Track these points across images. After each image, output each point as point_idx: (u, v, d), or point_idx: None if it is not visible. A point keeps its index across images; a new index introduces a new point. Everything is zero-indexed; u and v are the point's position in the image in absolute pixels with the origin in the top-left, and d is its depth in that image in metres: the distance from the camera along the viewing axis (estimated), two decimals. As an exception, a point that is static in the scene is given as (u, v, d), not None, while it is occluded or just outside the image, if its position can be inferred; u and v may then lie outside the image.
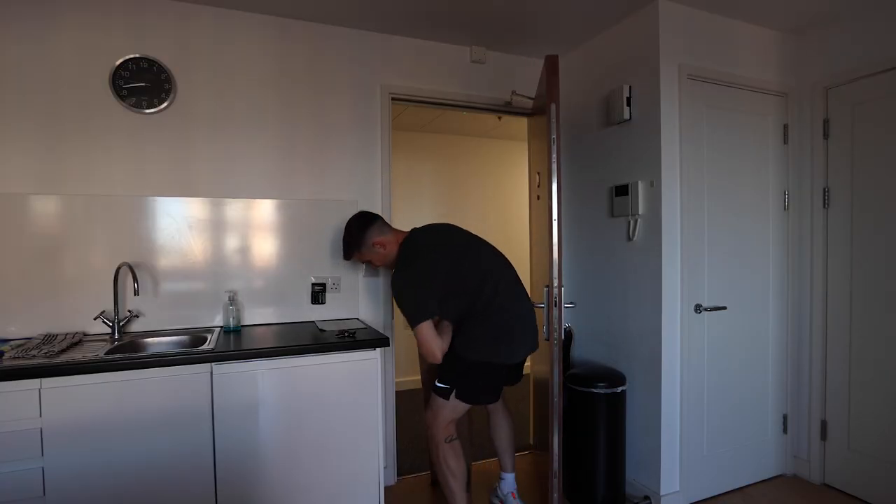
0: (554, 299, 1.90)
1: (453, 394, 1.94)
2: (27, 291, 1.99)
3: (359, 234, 2.05)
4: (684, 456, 2.30)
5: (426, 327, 1.82)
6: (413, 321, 1.83)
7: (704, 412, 2.37)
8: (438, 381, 1.98)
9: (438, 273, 1.89)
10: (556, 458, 1.94)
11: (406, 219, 4.15)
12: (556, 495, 1.95)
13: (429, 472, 2.59)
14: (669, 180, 2.24)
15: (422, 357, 2.32)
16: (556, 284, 1.91)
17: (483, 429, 2.45)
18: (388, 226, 2.11)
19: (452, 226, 2.13)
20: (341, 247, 2.48)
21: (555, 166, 1.93)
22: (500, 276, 1.98)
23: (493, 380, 2.00)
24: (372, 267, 2.44)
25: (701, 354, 2.35)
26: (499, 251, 2.09)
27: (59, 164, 2.04)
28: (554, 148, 1.94)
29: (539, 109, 2.31)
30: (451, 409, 1.97)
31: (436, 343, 1.83)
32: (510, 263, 2.08)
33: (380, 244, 2.03)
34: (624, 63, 2.42)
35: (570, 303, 2.87)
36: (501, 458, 2.27)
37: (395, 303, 2.67)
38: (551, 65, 1.99)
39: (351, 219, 2.13)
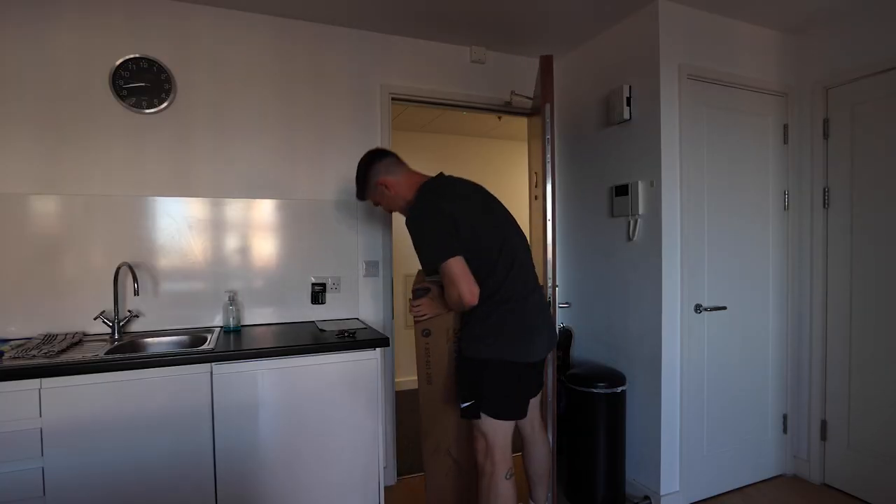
0: (548, 299, 1.91)
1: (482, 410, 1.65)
2: (27, 291, 1.99)
3: (363, 170, 1.80)
4: (684, 456, 2.30)
5: (457, 262, 1.52)
6: (438, 259, 1.53)
7: (704, 412, 2.37)
8: (462, 402, 1.68)
9: (461, 225, 1.58)
10: (552, 455, 1.95)
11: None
12: (549, 495, 1.96)
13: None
14: (669, 180, 2.24)
15: (419, 367, 1.94)
16: (550, 284, 1.91)
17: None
18: (402, 166, 1.80)
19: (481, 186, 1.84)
20: (342, 246, 2.48)
21: (549, 167, 1.93)
22: (520, 255, 1.69)
23: (514, 384, 1.65)
24: (385, 211, 2.10)
25: (701, 354, 2.35)
26: (521, 229, 1.80)
27: (59, 164, 2.03)
28: (549, 148, 1.94)
29: (538, 109, 2.31)
30: (501, 430, 1.65)
31: (471, 280, 1.52)
32: (528, 244, 1.81)
33: (384, 184, 1.74)
34: (624, 63, 2.42)
35: (566, 303, 2.88)
36: (534, 488, 1.94)
37: (394, 302, 2.68)
38: (545, 65, 1.99)
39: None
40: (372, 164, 1.78)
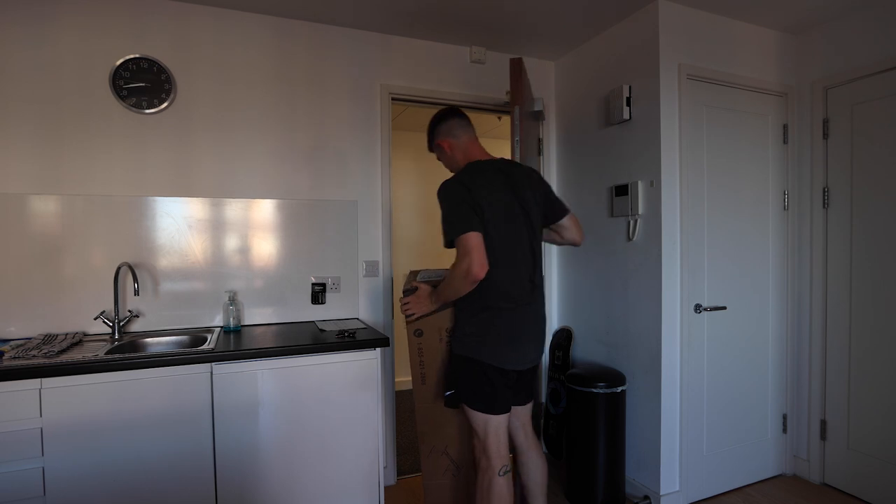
0: None
1: (468, 402, 1.67)
2: (27, 291, 1.99)
3: (431, 126, 1.86)
4: (684, 456, 2.30)
5: (475, 236, 1.53)
6: (457, 230, 1.54)
7: (704, 412, 2.37)
8: (445, 392, 1.75)
9: (484, 222, 1.59)
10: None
11: (407, 217, 4.16)
12: None
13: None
14: (669, 180, 2.24)
15: (413, 368, 1.93)
16: None
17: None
18: (468, 132, 1.81)
19: (535, 176, 1.79)
20: (342, 246, 2.48)
21: None
22: (528, 263, 1.69)
23: (490, 385, 1.65)
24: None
25: (701, 354, 2.35)
26: (538, 230, 1.76)
27: (60, 164, 2.04)
28: (517, 150, 1.95)
29: (531, 110, 2.31)
30: (493, 425, 1.66)
31: (484, 255, 1.54)
32: (541, 243, 1.78)
33: (441, 145, 1.81)
34: (624, 63, 2.42)
35: None
36: (532, 502, 1.90)
37: (394, 302, 2.68)
38: (515, 67, 1.99)
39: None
40: (438, 124, 1.83)
